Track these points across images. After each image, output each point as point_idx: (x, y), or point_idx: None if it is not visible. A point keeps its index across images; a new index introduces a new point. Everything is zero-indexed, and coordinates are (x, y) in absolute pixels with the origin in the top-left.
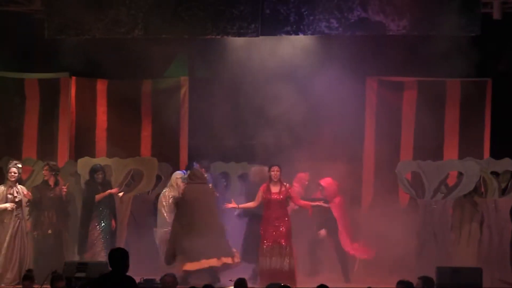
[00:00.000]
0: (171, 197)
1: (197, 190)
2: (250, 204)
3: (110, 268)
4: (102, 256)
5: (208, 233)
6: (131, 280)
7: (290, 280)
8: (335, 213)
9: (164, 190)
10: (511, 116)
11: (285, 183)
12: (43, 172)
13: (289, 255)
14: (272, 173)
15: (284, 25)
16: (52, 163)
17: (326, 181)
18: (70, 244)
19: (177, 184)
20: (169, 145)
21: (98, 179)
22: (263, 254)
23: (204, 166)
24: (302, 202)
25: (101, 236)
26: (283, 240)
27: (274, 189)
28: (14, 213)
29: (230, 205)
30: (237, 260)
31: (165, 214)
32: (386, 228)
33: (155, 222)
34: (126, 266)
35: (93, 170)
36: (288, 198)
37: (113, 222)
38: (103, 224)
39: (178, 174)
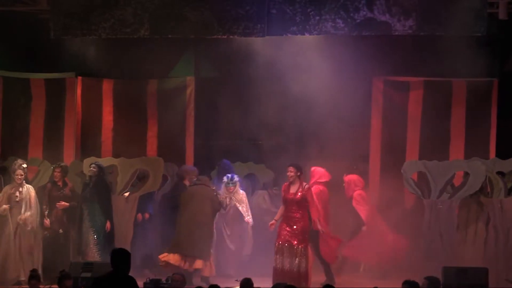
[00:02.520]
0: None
1: (195, 191)
2: (281, 210)
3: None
4: (96, 257)
5: (193, 233)
6: (132, 280)
7: (301, 281)
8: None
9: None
10: None
11: (304, 184)
12: (55, 173)
13: (301, 256)
14: (287, 173)
15: (290, 25)
16: (63, 164)
17: (348, 177)
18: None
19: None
20: (175, 145)
21: (90, 173)
22: (276, 252)
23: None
24: (314, 210)
25: (94, 237)
26: (295, 241)
27: (292, 189)
28: (17, 214)
29: (273, 224)
30: (209, 270)
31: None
32: (392, 228)
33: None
34: (127, 266)
35: (89, 166)
36: (304, 199)
37: (107, 224)
38: (96, 225)
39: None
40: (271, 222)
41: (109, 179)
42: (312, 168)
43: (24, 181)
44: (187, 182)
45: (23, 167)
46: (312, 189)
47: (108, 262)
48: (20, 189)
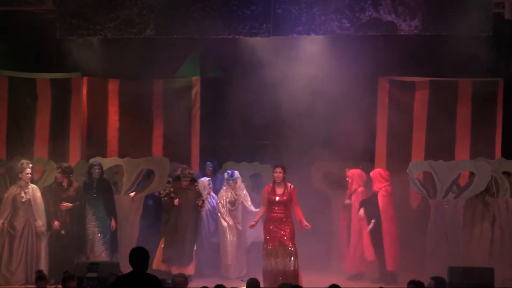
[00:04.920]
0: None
1: (181, 191)
2: (262, 211)
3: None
4: (103, 256)
5: (177, 238)
6: (154, 278)
7: (294, 280)
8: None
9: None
10: None
11: (289, 184)
12: (56, 175)
13: (293, 255)
14: (275, 174)
15: (296, 25)
16: (65, 165)
17: (352, 172)
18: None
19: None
20: (181, 145)
21: (95, 174)
22: (268, 255)
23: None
24: (298, 210)
25: (100, 236)
26: (288, 241)
27: (279, 190)
28: (22, 214)
29: (253, 226)
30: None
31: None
32: (398, 228)
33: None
34: (146, 265)
35: (90, 166)
36: (290, 199)
37: (112, 222)
38: (102, 225)
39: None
40: (251, 224)
41: (115, 179)
42: (372, 173)
43: (29, 181)
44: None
45: (30, 166)
46: (381, 192)
47: (113, 261)
48: (26, 189)
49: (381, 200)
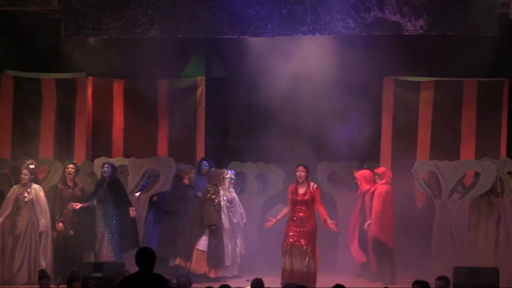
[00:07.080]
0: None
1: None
2: (286, 210)
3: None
4: (110, 256)
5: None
6: (160, 277)
7: (310, 282)
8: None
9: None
10: None
11: (312, 183)
12: (68, 170)
13: (310, 256)
14: (297, 173)
15: (301, 25)
16: (76, 163)
17: (360, 173)
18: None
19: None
20: (186, 145)
21: (103, 174)
22: (283, 253)
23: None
24: (322, 210)
25: (108, 236)
26: (304, 241)
27: (301, 189)
28: (25, 214)
29: (271, 223)
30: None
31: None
32: (403, 228)
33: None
34: (153, 265)
35: (102, 165)
36: (313, 199)
37: (131, 211)
38: (110, 224)
39: (227, 174)
40: (270, 220)
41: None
42: (379, 170)
43: (32, 182)
44: (186, 181)
45: (30, 167)
46: (380, 190)
47: (118, 261)
48: (29, 189)
49: (377, 198)
